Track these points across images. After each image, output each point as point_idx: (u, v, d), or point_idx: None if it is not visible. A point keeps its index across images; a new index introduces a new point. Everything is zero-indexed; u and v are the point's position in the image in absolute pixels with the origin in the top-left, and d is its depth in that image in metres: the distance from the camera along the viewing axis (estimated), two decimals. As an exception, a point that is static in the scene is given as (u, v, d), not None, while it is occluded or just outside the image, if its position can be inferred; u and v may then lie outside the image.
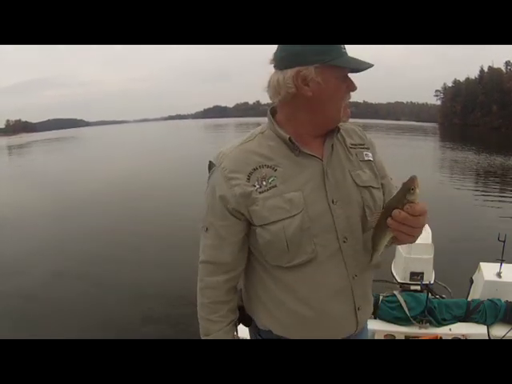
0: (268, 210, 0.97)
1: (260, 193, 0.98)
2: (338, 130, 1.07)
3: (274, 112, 1.07)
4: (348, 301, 1.04)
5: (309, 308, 1.02)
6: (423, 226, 0.89)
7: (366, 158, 1.10)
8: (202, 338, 1.08)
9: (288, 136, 1.01)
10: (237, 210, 1.00)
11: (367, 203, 1.04)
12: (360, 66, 0.98)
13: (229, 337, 1.07)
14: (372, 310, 1.18)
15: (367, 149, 1.12)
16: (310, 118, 1.02)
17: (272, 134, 1.04)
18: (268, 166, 1.00)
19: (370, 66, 0.98)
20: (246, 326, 1.18)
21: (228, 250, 1.05)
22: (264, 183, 0.98)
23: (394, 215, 0.86)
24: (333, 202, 1.01)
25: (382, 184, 1.11)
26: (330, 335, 1.04)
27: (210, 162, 1.06)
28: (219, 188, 1.01)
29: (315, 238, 0.99)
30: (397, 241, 0.94)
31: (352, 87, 1.02)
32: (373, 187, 1.07)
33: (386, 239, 0.94)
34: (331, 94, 0.99)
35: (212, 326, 1.07)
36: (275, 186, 0.98)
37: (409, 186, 0.85)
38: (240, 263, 1.09)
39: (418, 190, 0.84)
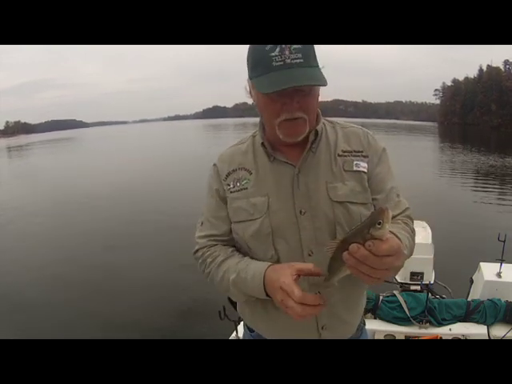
0: (233, 210, 1.02)
1: (231, 192, 1.03)
2: (315, 138, 1.00)
3: None
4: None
5: (270, 309, 1.00)
6: (394, 267, 0.73)
7: (355, 169, 0.99)
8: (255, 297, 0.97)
9: (261, 141, 1.03)
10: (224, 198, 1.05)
11: (338, 220, 0.95)
12: (271, 89, 0.86)
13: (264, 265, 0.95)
14: (354, 331, 1.09)
15: (364, 157, 1.01)
16: (265, 127, 1.03)
17: (259, 138, 1.05)
18: (245, 169, 1.03)
19: (287, 87, 0.84)
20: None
21: (223, 229, 1.06)
22: (238, 184, 1.02)
23: (352, 250, 0.70)
24: (300, 212, 0.96)
25: (375, 199, 1.00)
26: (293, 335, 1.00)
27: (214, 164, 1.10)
28: (213, 182, 1.07)
29: (277, 244, 0.97)
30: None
31: (287, 107, 0.90)
32: (351, 202, 0.97)
33: (342, 273, 0.79)
34: (261, 108, 0.98)
35: (245, 271, 0.96)
36: (246, 189, 1.01)
37: (375, 219, 0.68)
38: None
39: (387, 225, 0.68)
